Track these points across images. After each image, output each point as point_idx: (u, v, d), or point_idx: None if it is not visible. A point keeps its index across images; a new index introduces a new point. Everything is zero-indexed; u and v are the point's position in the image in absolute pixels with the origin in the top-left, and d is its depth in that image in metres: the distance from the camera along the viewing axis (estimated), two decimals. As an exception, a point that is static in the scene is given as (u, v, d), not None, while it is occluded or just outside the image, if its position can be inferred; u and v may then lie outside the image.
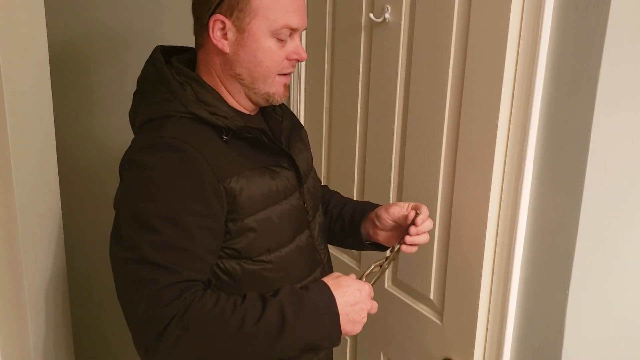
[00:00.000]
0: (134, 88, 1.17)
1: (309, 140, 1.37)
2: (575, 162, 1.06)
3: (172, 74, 1.11)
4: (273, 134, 1.22)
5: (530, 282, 1.18)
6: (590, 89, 1.01)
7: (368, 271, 1.17)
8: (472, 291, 1.27)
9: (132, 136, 1.13)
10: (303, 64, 1.87)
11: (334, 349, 1.40)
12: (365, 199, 1.61)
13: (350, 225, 1.34)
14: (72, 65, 2.02)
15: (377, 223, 1.27)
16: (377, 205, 1.33)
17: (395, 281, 1.53)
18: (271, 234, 1.12)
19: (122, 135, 1.99)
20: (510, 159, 1.17)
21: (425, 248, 1.39)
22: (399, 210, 1.24)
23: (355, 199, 1.66)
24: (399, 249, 1.19)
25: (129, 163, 1.05)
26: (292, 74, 1.73)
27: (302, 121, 1.90)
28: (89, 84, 2.05)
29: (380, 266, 1.18)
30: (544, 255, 1.15)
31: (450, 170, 1.31)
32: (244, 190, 1.07)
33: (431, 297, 1.41)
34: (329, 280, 1.09)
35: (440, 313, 1.39)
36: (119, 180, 1.07)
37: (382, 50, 1.49)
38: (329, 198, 1.43)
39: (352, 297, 1.06)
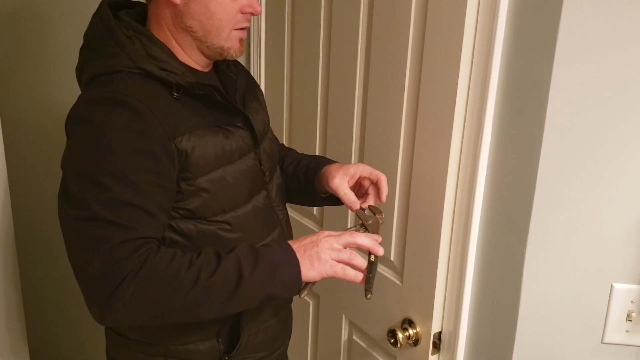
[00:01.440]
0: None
1: (271, 100, 1.34)
2: (533, 122, 1.05)
3: (120, 27, 1.06)
4: (227, 92, 1.19)
5: (488, 241, 1.18)
6: (550, 43, 1.00)
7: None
8: (431, 252, 1.27)
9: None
10: (263, 24, 1.83)
11: (295, 310, 1.39)
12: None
13: (305, 183, 1.32)
14: (19, 22, 1.94)
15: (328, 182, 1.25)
16: (330, 162, 1.31)
17: (356, 243, 1.53)
18: (226, 194, 1.10)
19: (69, 94, 1.93)
20: (469, 119, 1.16)
21: (386, 210, 1.39)
22: (342, 189, 1.20)
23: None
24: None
25: (76, 119, 1.01)
26: (251, 33, 1.69)
27: (262, 82, 1.87)
28: (36, 40, 1.97)
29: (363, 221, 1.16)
30: (502, 215, 1.15)
31: (410, 130, 1.30)
32: (195, 149, 1.04)
33: (391, 258, 1.41)
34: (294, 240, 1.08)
35: (400, 274, 1.39)
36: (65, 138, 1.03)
37: (343, 9, 1.46)
38: (283, 156, 1.41)
39: (307, 239, 1.05)
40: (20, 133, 1.96)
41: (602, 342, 1.14)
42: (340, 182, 1.21)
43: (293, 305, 1.38)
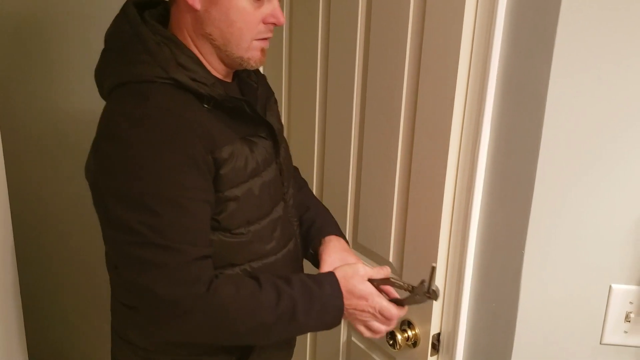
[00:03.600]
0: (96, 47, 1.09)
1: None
2: (531, 123, 1.06)
3: (149, 32, 1.01)
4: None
5: (486, 242, 1.19)
6: (548, 43, 1.01)
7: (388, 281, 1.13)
8: (430, 253, 1.27)
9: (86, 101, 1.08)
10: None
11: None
12: (325, 169, 1.60)
13: (304, 235, 1.29)
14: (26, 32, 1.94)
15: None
16: (329, 232, 1.27)
17: (355, 244, 1.53)
18: (252, 206, 1.08)
19: (70, 97, 1.92)
20: (467, 120, 1.16)
21: (385, 212, 1.39)
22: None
23: (315, 168, 1.64)
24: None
25: (113, 137, 0.95)
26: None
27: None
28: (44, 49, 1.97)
29: (410, 291, 1.12)
30: (500, 216, 1.15)
31: (408, 132, 1.30)
32: (228, 161, 1.01)
33: (390, 259, 1.41)
34: (345, 275, 1.08)
35: (399, 275, 1.39)
36: (89, 149, 1.01)
37: (341, 11, 1.46)
38: (298, 188, 1.37)
39: (358, 289, 1.08)
40: (19, 135, 1.96)
41: (600, 343, 1.14)
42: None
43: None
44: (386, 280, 1.13)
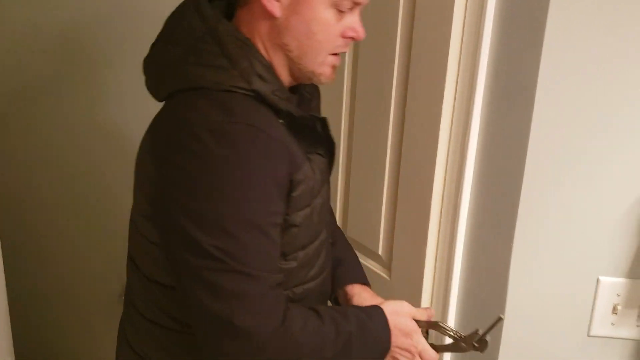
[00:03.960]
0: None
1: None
2: (520, 118, 1.06)
3: (227, 33, 0.90)
4: None
5: (475, 236, 1.19)
6: (537, 40, 1.01)
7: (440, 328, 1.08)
8: (419, 247, 1.27)
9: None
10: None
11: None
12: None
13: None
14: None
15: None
16: (355, 278, 1.20)
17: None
18: (309, 231, 0.99)
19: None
20: (457, 115, 1.17)
21: (375, 206, 1.39)
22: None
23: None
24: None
25: (193, 153, 0.84)
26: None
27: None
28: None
29: (458, 339, 1.05)
30: (489, 210, 1.15)
31: (398, 127, 1.30)
32: (301, 184, 0.92)
33: (379, 252, 1.41)
34: (392, 311, 1.02)
35: (388, 268, 1.40)
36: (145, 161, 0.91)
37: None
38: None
39: (405, 327, 1.03)
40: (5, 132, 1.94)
41: (588, 336, 1.14)
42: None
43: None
44: (435, 325, 1.07)
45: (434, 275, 1.29)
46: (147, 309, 1.02)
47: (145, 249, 0.97)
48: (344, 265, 1.20)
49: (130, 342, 1.09)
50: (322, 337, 0.93)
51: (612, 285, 1.11)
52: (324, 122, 1.01)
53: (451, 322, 1.26)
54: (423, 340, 1.05)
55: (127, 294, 1.09)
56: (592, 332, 1.14)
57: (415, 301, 1.30)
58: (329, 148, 1.06)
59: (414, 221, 1.29)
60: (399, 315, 1.03)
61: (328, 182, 1.08)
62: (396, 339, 1.01)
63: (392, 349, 1.01)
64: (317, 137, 1.01)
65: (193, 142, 0.84)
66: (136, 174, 0.97)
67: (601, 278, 1.11)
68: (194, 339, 0.92)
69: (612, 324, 1.13)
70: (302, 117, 0.96)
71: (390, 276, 1.39)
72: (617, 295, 1.11)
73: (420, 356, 1.04)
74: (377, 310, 1.01)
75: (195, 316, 0.88)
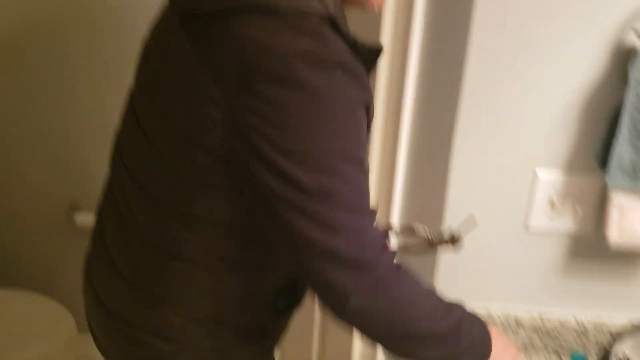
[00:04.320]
0: None
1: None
2: (462, 10, 1.03)
3: None
4: None
5: (417, 131, 1.18)
6: None
7: None
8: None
9: None
10: None
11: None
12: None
13: None
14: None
15: None
16: None
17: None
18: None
19: None
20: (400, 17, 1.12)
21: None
22: None
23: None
24: None
25: (288, 82, 0.74)
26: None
27: None
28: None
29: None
30: (430, 107, 1.14)
31: None
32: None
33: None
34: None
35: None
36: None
37: None
38: None
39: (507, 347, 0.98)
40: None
41: (525, 229, 1.16)
42: None
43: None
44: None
45: (380, 176, 1.28)
46: (174, 246, 0.91)
47: (192, 184, 0.85)
48: None
49: (130, 281, 0.97)
50: (433, 302, 0.87)
51: (550, 178, 1.12)
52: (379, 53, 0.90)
53: (395, 219, 1.27)
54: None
55: (127, 234, 0.96)
56: (530, 227, 1.16)
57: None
58: None
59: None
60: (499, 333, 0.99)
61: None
62: (497, 349, 0.94)
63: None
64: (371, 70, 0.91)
65: (286, 71, 0.73)
66: (159, 95, 0.85)
67: (539, 172, 1.12)
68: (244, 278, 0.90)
69: (549, 217, 1.15)
70: (371, 52, 0.87)
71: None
72: (554, 188, 1.12)
73: None
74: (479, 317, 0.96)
75: (306, 254, 0.79)
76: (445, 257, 1.19)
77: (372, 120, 0.85)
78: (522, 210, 1.15)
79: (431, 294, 0.88)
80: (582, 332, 1.20)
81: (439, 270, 1.20)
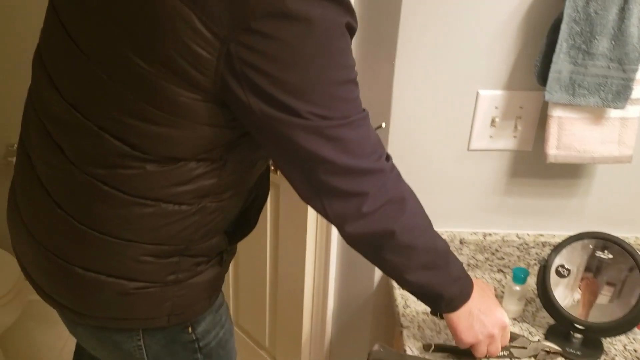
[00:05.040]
0: None
1: None
2: None
3: None
4: None
5: (359, 56, 1.16)
6: None
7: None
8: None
9: None
10: None
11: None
12: None
13: None
14: None
15: None
16: None
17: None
18: None
19: None
20: None
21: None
22: None
23: None
24: None
25: (282, 13, 0.72)
26: None
27: None
28: None
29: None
30: (372, 31, 1.12)
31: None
32: None
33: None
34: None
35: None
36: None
37: None
38: None
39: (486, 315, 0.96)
40: None
41: (468, 150, 1.17)
42: None
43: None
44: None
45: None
46: (133, 189, 0.86)
47: (172, 126, 0.81)
48: None
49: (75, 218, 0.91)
50: (429, 222, 0.90)
51: (491, 97, 1.13)
52: None
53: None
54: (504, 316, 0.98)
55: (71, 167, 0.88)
56: (472, 146, 1.17)
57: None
58: None
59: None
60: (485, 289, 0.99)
61: None
62: (479, 299, 0.96)
63: (471, 305, 0.95)
64: None
65: (280, 4, 0.71)
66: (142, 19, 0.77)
67: (480, 91, 1.12)
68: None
69: (490, 137, 1.16)
70: None
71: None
72: (496, 107, 1.13)
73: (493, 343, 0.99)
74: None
75: (318, 170, 0.82)
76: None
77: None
78: (465, 130, 1.16)
79: (426, 215, 0.91)
80: (524, 248, 1.24)
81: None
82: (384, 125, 1.01)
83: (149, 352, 1.01)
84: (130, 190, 0.86)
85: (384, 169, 0.85)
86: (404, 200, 0.87)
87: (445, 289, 0.93)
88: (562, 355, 1.05)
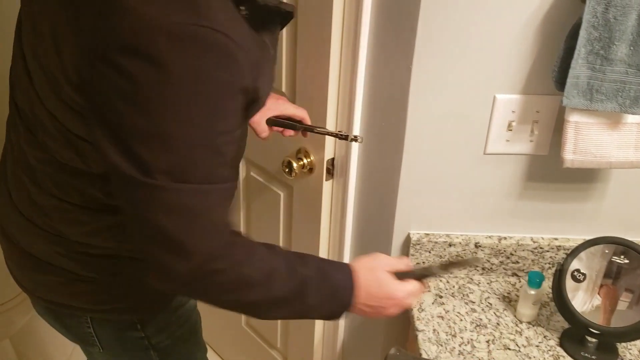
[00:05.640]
0: None
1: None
2: None
3: None
4: None
5: (375, 61, 1.16)
6: None
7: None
8: (321, 77, 1.24)
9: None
10: None
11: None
12: None
13: None
14: None
15: None
16: None
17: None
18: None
19: None
20: None
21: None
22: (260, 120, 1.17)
23: None
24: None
25: (147, 58, 0.68)
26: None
27: None
28: None
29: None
30: (388, 32, 1.12)
31: None
32: (263, 92, 0.81)
33: (283, 89, 1.37)
34: (365, 271, 0.95)
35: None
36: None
37: None
38: None
39: (385, 291, 0.94)
40: None
41: (484, 153, 1.18)
42: (260, 119, 1.17)
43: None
44: (423, 272, 1.00)
45: (337, 107, 1.27)
46: (57, 187, 0.91)
47: (62, 136, 0.83)
48: None
49: (24, 214, 0.98)
50: (271, 270, 0.86)
51: (508, 102, 1.13)
52: (288, 16, 0.86)
53: (354, 153, 1.27)
54: (401, 286, 0.95)
55: (15, 165, 0.97)
56: (488, 150, 1.17)
57: (320, 136, 1.29)
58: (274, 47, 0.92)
59: (315, 51, 1.24)
60: (372, 270, 0.95)
61: None
62: (367, 296, 0.94)
63: (359, 306, 0.94)
64: (272, 31, 0.87)
65: (147, 45, 0.68)
66: (38, 38, 0.80)
67: (498, 96, 1.12)
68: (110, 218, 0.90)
69: (507, 141, 1.16)
70: (273, 10, 0.81)
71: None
72: (512, 112, 1.14)
73: (406, 300, 0.97)
74: (344, 266, 0.95)
75: (136, 228, 0.79)
76: (406, 183, 1.20)
77: (260, 100, 0.81)
78: (481, 134, 1.16)
79: (270, 262, 0.87)
80: (538, 251, 1.24)
81: (400, 196, 1.22)
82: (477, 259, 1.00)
83: (101, 340, 1.06)
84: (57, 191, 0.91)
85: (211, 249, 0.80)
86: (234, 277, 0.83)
87: (314, 313, 0.92)
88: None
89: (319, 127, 1.20)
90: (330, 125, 1.28)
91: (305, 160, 1.36)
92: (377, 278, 0.94)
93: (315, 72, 1.25)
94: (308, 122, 1.22)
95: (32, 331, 1.90)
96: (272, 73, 0.87)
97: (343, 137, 1.18)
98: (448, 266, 1.01)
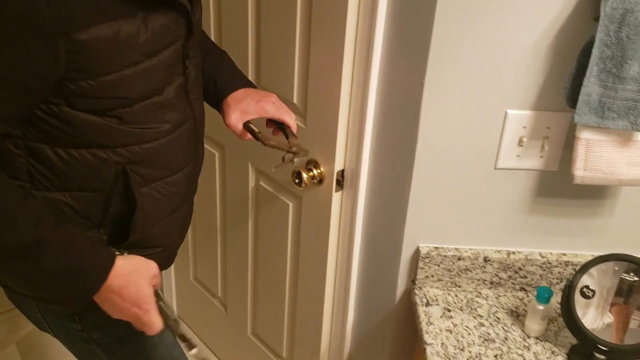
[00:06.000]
0: None
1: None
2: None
3: None
4: None
5: (387, 76, 1.17)
6: None
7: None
8: (333, 92, 1.25)
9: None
10: None
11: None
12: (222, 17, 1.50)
13: (207, 97, 1.19)
14: None
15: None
16: (235, 82, 1.20)
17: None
18: (146, 85, 0.92)
19: None
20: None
21: (287, 47, 1.34)
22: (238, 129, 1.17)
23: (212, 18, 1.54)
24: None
25: None
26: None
27: None
28: None
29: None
30: (401, 47, 1.13)
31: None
32: (93, 41, 0.82)
33: (294, 101, 1.38)
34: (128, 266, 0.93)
35: (303, 116, 1.38)
36: None
37: None
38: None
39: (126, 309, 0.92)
40: None
41: (495, 168, 1.18)
42: (236, 123, 1.16)
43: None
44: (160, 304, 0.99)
45: (349, 119, 1.28)
46: None
47: None
48: (220, 76, 1.18)
49: None
50: (13, 212, 0.83)
51: (519, 117, 1.13)
52: None
53: (365, 165, 1.27)
54: (152, 306, 0.94)
55: None
56: (499, 165, 1.18)
57: (331, 146, 1.30)
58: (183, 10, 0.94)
59: (326, 65, 1.25)
60: (137, 273, 0.94)
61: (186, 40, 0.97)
62: (119, 292, 0.91)
63: (108, 295, 0.91)
64: None
65: None
66: None
67: (509, 111, 1.13)
68: None
69: (518, 156, 1.17)
70: None
71: (305, 124, 1.38)
72: (524, 127, 1.14)
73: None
74: (108, 254, 0.92)
75: None
76: (416, 196, 1.21)
77: (107, 44, 0.82)
78: (492, 149, 1.16)
79: (15, 205, 0.84)
80: (546, 266, 1.24)
81: (411, 209, 1.22)
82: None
83: (51, 327, 1.06)
84: None
85: None
86: None
87: (48, 285, 0.88)
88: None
89: (272, 142, 1.17)
90: (341, 138, 1.29)
91: (315, 171, 1.36)
92: (137, 282, 0.93)
93: (327, 86, 1.26)
94: (292, 124, 1.20)
95: (38, 337, 1.91)
96: (147, 32, 0.86)
97: (291, 152, 1.17)
98: (174, 322, 0.99)
